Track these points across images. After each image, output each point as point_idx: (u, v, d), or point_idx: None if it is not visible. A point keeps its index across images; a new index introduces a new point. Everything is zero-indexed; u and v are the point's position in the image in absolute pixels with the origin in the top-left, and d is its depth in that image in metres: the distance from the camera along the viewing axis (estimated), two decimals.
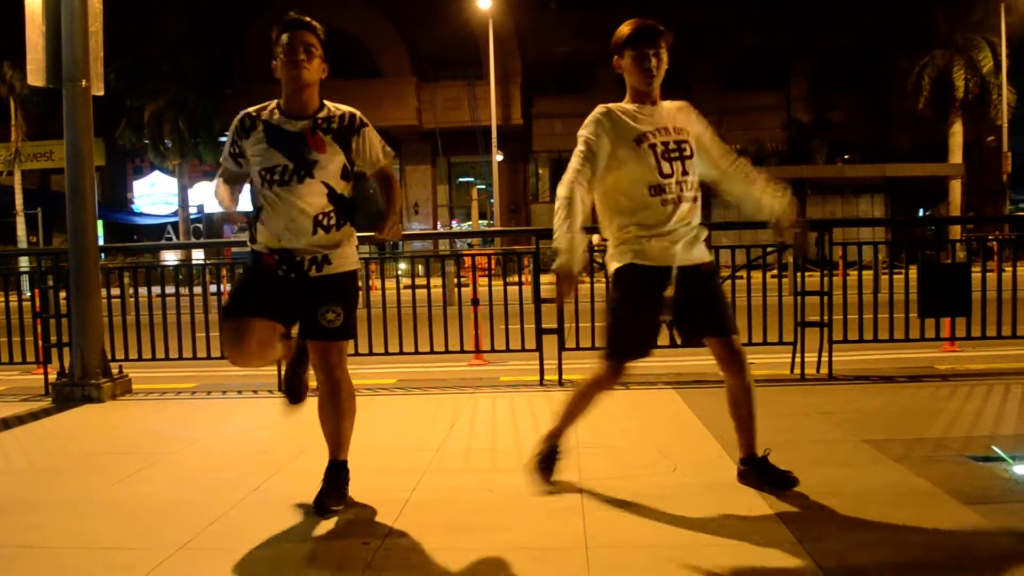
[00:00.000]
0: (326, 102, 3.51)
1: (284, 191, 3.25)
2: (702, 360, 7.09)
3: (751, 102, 32.30)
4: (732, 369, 3.51)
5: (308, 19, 3.51)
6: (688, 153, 3.40)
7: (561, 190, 3.33)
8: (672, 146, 3.38)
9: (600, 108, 3.44)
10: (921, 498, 3.25)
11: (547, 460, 3.57)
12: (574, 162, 3.38)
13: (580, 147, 3.40)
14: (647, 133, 3.36)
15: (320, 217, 3.28)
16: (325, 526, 3.16)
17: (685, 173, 3.38)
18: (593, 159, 3.35)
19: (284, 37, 3.41)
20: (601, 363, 3.47)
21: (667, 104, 3.51)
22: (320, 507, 3.27)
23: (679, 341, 3.81)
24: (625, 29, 3.42)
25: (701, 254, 3.48)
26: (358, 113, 3.55)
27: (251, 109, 3.47)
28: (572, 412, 3.57)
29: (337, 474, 3.40)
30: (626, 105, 3.45)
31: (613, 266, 3.50)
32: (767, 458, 3.49)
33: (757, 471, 3.49)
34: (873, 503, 3.19)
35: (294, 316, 3.39)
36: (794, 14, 29.83)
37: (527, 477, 3.54)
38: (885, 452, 3.92)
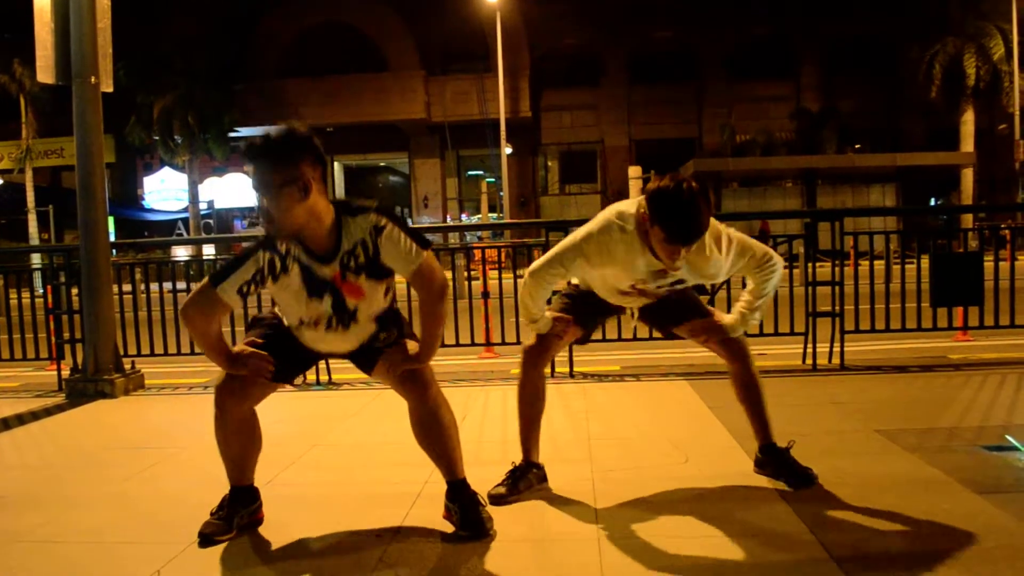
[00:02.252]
0: (342, 218, 2.81)
1: (328, 334, 2.95)
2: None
3: (760, 92, 32.22)
4: (727, 355, 3.49)
5: (281, 142, 2.69)
6: (676, 288, 3.37)
7: (528, 279, 3.30)
8: (652, 288, 3.31)
9: (615, 224, 3.11)
10: (934, 487, 3.24)
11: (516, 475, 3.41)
12: (553, 256, 3.24)
13: (569, 248, 3.18)
14: (634, 284, 3.29)
15: (370, 340, 3.01)
16: (338, 520, 3.16)
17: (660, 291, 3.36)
18: (570, 266, 3.24)
19: (252, 177, 2.73)
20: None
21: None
22: (480, 532, 2.89)
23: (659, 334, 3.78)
24: (673, 219, 2.93)
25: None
26: (373, 216, 2.81)
27: (278, 243, 2.81)
28: (519, 408, 3.55)
29: (464, 493, 3.00)
30: (638, 240, 3.09)
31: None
32: (789, 451, 3.46)
33: (776, 462, 3.45)
34: (886, 493, 3.18)
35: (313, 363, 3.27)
36: (804, 2, 29.67)
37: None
38: (897, 442, 3.91)
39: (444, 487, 3.02)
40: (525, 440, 3.47)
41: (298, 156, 2.66)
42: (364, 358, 3.07)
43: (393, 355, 2.94)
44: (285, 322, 3.01)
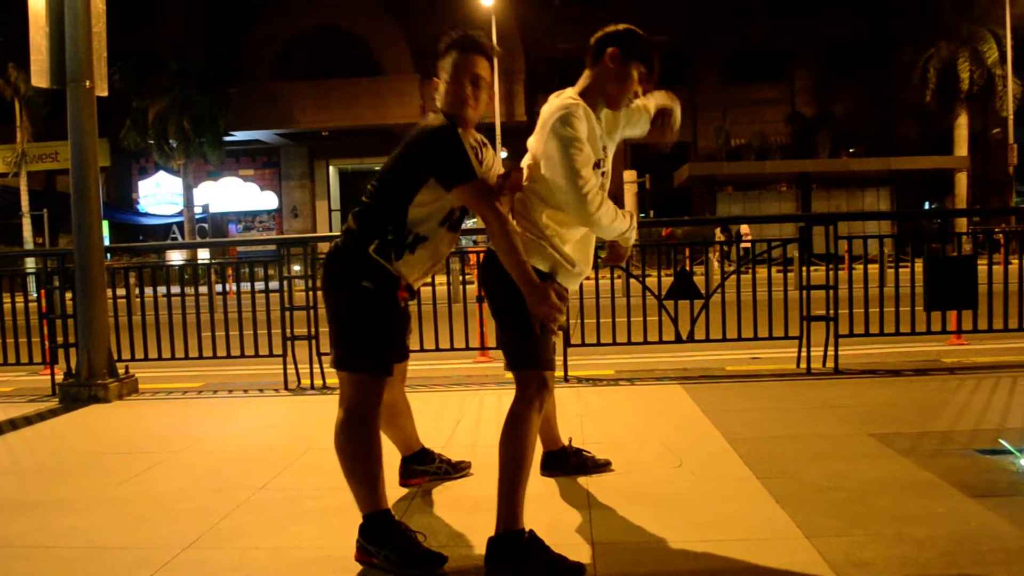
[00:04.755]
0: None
1: (449, 234, 3.01)
2: (708, 356, 7.10)
3: (754, 96, 32.30)
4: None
5: (489, 43, 3.03)
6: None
7: (605, 214, 2.90)
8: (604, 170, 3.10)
9: (571, 102, 2.93)
10: (928, 491, 3.24)
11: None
12: (573, 171, 2.84)
13: (572, 151, 2.84)
14: (601, 160, 3.06)
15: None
16: (331, 524, 3.16)
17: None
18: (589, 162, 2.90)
19: (463, 62, 2.96)
20: (527, 380, 2.90)
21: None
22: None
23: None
24: (642, 38, 3.00)
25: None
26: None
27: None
28: (520, 463, 2.83)
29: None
30: (591, 112, 2.97)
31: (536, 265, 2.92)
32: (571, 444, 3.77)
33: (573, 458, 3.73)
34: (879, 497, 3.19)
35: None
36: (797, 7, 29.77)
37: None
38: (891, 445, 3.92)
39: (439, 492, 3.01)
40: (520, 503, 2.81)
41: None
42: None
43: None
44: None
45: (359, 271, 2.86)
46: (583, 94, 3.01)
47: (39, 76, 6.06)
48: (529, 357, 2.88)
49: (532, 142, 3.06)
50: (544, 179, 2.96)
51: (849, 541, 2.77)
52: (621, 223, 3.01)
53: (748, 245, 16.79)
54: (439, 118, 2.91)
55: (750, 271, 6.48)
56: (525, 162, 3.09)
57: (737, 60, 32.46)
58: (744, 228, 24.74)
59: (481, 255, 7.29)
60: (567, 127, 2.86)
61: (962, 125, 28.60)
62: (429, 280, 3.17)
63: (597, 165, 2.99)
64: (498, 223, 2.80)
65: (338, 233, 3.08)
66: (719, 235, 24.20)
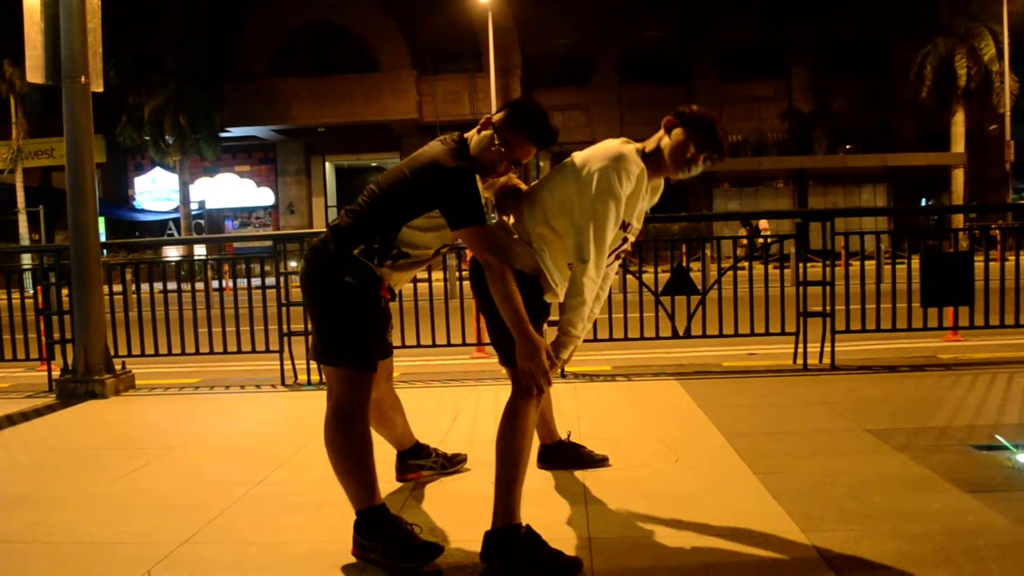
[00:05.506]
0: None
1: (431, 256, 3.07)
2: (705, 351, 7.11)
3: (751, 92, 32.23)
4: None
5: (554, 139, 2.98)
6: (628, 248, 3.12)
7: (588, 282, 2.84)
8: (628, 238, 3.04)
9: (632, 159, 2.86)
10: (924, 486, 3.25)
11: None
12: (597, 239, 2.79)
13: (608, 212, 2.79)
14: (631, 225, 2.99)
15: None
16: (328, 519, 3.16)
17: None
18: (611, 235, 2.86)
19: (520, 145, 2.93)
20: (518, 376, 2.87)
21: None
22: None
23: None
24: (708, 119, 2.94)
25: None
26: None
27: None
28: (517, 457, 2.88)
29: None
30: (645, 177, 2.93)
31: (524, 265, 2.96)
32: (569, 438, 3.83)
33: (570, 452, 3.77)
34: (875, 492, 3.20)
35: None
36: (795, 4, 29.74)
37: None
38: (887, 441, 3.92)
39: (436, 488, 3.01)
40: (517, 498, 2.83)
41: None
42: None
43: None
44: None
45: (342, 268, 2.87)
46: (643, 153, 2.95)
47: (34, 72, 6.05)
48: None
49: (579, 156, 2.94)
50: (561, 200, 2.90)
51: (845, 536, 2.77)
52: (584, 321, 2.94)
53: (769, 240, 16.95)
54: (457, 158, 2.86)
55: (747, 268, 6.48)
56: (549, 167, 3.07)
57: (734, 56, 32.39)
58: (763, 223, 24.79)
59: None
60: (615, 178, 2.79)
61: (959, 122, 28.62)
62: (425, 276, 3.19)
63: (625, 227, 2.94)
64: (499, 268, 2.79)
65: None
66: (741, 230, 24.35)
